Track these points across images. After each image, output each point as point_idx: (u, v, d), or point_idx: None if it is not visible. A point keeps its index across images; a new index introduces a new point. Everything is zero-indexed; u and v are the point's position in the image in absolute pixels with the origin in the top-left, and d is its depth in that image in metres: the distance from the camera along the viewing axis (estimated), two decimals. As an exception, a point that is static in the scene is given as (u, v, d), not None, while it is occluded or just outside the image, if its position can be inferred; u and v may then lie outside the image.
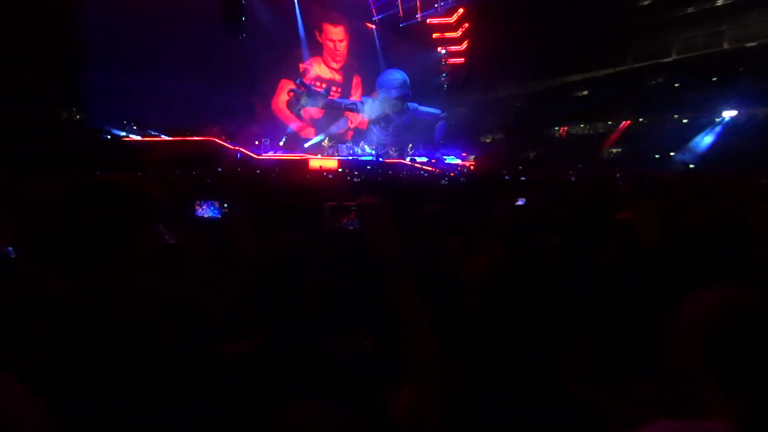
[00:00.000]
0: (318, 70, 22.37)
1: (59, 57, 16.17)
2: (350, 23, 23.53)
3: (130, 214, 0.85)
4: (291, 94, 20.56)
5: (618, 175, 7.71)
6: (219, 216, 1.18)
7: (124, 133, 17.06)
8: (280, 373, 0.81)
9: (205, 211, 1.19)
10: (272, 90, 21.01)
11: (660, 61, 23.11)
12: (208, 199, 1.19)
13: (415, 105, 23.69)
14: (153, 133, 17.74)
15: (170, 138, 17.30)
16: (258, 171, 11.61)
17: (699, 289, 0.88)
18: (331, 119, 22.10)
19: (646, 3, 22.68)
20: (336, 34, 23.24)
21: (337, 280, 1.54)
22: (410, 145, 23.45)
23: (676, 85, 21.91)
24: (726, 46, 21.21)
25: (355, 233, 0.89)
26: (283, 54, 21.31)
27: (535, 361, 1.44)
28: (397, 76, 23.09)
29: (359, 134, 22.86)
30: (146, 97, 18.50)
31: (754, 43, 20.04)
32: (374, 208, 0.88)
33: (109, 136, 16.55)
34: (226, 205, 1.17)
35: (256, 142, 19.65)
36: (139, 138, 16.87)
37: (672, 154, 19.80)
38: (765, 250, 2.12)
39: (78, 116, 17.68)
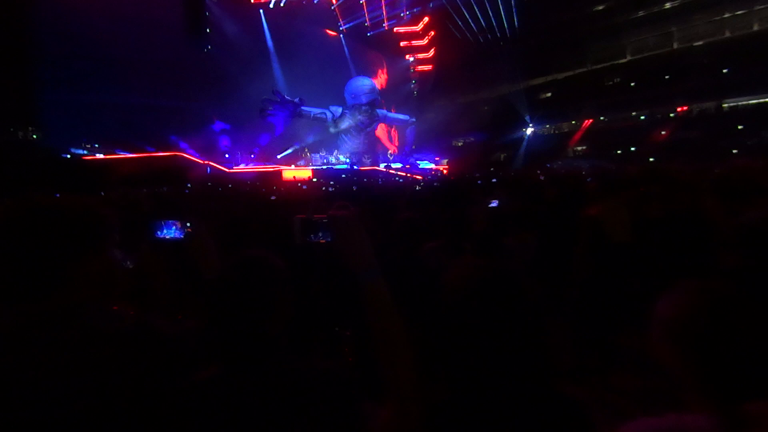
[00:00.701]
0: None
1: (14, 73, 15.39)
2: (319, 33, 23.63)
3: (79, 239, 0.78)
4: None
5: (584, 172, 7.97)
6: (182, 237, 1.10)
7: (84, 152, 16.33)
8: (248, 401, 0.75)
9: (166, 232, 1.11)
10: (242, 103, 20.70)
11: (616, 62, 24.28)
12: (169, 219, 1.12)
13: (385, 111, 23.82)
14: (116, 151, 17.07)
15: (135, 155, 16.68)
16: (230, 185, 11.35)
17: (668, 280, 0.90)
18: (304, 128, 21.97)
19: (600, 8, 23.83)
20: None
21: (309, 294, 1.50)
22: (389, 151, 23.57)
23: (632, 84, 23.05)
24: (675, 45, 22.53)
25: (326, 246, 0.86)
26: (252, 67, 21.05)
27: (519, 363, 1.44)
28: (365, 82, 23.14)
29: (331, 143, 22.80)
30: (108, 114, 17.85)
31: (701, 42, 21.38)
32: (346, 220, 0.85)
33: (68, 155, 15.79)
34: (189, 225, 1.09)
35: (226, 155, 19.25)
36: (101, 156, 16.17)
37: (632, 149, 20.75)
38: (721, 238, 2.22)
39: (35, 135, 16.82)
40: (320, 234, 0.87)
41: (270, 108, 19.94)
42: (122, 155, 16.53)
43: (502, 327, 1.44)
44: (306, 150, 21.00)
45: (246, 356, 0.80)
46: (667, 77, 21.66)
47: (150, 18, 18.40)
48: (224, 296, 0.84)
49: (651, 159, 18.53)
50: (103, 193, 8.78)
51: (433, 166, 22.59)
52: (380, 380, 0.81)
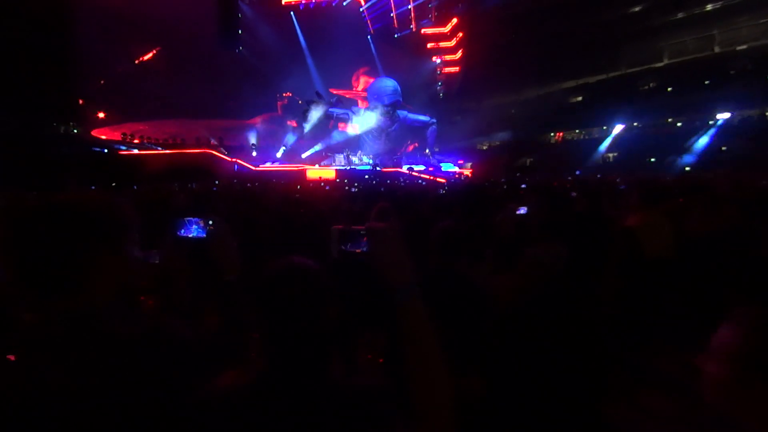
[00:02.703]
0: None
1: (58, 69, 16.26)
2: (349, 34, 23.92)
3: (96, 238, 0.76)
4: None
5: (618, 180, 7.69)
6: (204, 235, 1.08)
7: (122, 147, 17.03)
8: (282, 411, 0.72)
9: (189, 230, 1.09)
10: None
11: (652, 65, 23.35)
12: (192, 216, 1.10)
13: (405, 112, 23.74)
14: (150, 145, 17.75)
15: (167, 150, 17.28)
16: (256, 183, 11.57)
17: (710, 301, 0.83)
18: (327, 129, 22.24)
19: (637, 9, 23.01)
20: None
21: (346, 307, 1.46)
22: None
23: (669, 89, 22.10)
24: (717, 49, 21.46)
25: (363, 256, 0.83)
26: (282, 68, 21.55)
27: (566, 378, 1.38)
28: (388, 83, 23.15)
29: (353, 144, 22.94)
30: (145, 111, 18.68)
31: (744, 46, 20.29)
32: (385, 232, 0.82)
33: (106, 150, 16.51)
34: (211, 223, 1.07)
35: (254, 153, 19.70)
36: (136, 151, 16.83)
37: (668, 157, 19.89)
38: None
39: (76, 130, 17.73)
40: (357, 244, 0.85)
41: (311, 110, 20.33)
42: (156, 151, 17.15)
43: (557, 345, 1.39)
44: (347, 152, 21.21)
45: (283, 365, 0.77)
46: (707, 82, 20.65)
47: (185, 21, 19.09)
48: (267, 304, 0.81)
49: (687, 168, 17.73)
50: (135, 187, 9.13)
51: (456, 169, 22.33)
52: (408, 400, 0.78)
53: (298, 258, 0.85)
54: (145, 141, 17.90)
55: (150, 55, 20.50)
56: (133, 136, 17.84)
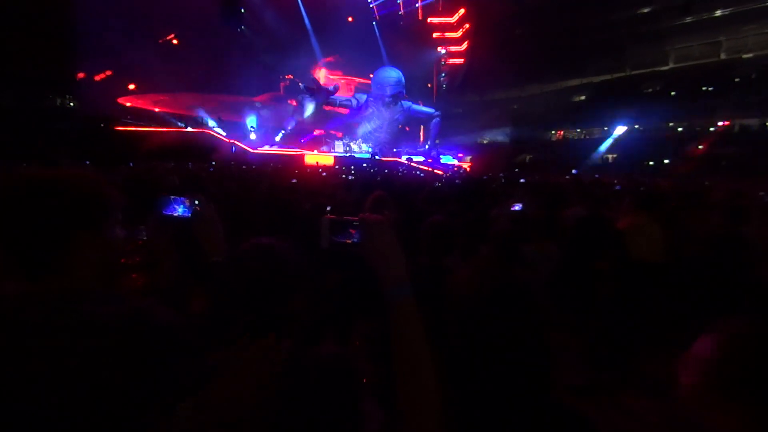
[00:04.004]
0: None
1: (55, 43, 15.93)
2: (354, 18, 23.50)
3: (75, 217, 0.72)
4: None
5: (615, 181, 7.71)
6: (189, 215, 1.06)
7: (118, 122, 16.80)
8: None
9: (174, 209, 1.06)
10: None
11: (657, 69, 23.26)
12: (178, 195, 1.07)
13: (409, 103, 23.54)
14: (147, 122, 17.54)
15: (165, 129, 17.10)
16: (253, 166, 11.48)
17: (700, 307, 0.83)
18: (326, 115, 22.07)
19: (645, 11, 22.83)
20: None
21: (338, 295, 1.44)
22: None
23: (672, 93, 22.07)
24: (723, 56, 21.40)
25: (354, 248, 0.79)
26: (288, 48, 21.32)
27: (524, 374, 1.38)
28: (392, 74, 22.89)
29: (353, 131, 22.80)
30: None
31: (750, 55, 20.24)
32: (380, 225, 0.78)
33: (102, 125, 16.28)
34: (197, 203, 1.05)
35: (252, 136, 19.53)
36: (132, 128, 16.61)
37: (666, 161, 19.96)
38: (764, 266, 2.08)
39: (72, 104, 17.44)
40: (349, 235, 0.80)
41: (308, 95, 20.16)
42: (153, 128, 16.95)
43: (506, 336, 1.38)
44: (347, 139, 21.09)
45: (248, 342, 0.75)
46: (710, 89, 20.64)
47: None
48: (232, 283, 0.80)
49: (682, 174, 17.81)
50: (132, 164, 9.03)
51: (455, 162, 22.28)
52: (396, 398, 0.76)
53: (267, 238, 0.82)
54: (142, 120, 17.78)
55: (171, 36, 20.79)
56: (127, 115, 17.74)
